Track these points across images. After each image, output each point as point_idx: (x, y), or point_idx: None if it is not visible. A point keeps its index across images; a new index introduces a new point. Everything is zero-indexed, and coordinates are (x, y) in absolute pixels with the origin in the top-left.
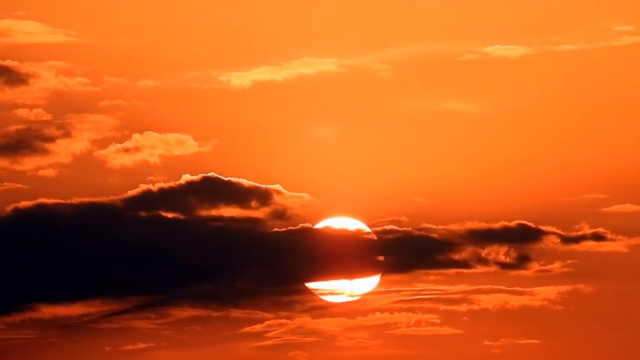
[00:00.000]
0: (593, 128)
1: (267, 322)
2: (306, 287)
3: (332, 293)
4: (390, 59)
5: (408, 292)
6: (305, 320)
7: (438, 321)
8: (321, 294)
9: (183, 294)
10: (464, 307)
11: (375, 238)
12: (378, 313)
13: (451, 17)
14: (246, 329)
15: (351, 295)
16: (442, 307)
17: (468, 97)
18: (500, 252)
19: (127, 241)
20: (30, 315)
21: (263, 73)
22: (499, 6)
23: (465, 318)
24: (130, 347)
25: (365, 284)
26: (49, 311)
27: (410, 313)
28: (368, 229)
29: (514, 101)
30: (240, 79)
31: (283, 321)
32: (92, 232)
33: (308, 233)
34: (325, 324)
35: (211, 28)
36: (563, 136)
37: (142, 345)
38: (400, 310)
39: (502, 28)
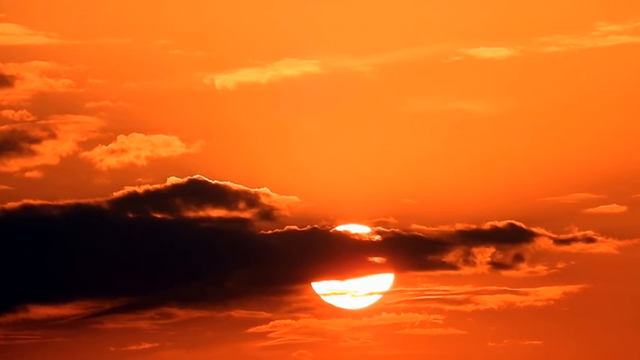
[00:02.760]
0: (578, 129)
1: (271, 322)
2: (311, 288)
3: (335, 294)
4: (374, 61)
5: (412, 292)
6: (310, 320)
7: (441, 322)
8: (325, 295)
9: (172, 294)
10: (469, 308)
11: (368, 239)
12: (384, 314)
13: (435, 19)
14: (251, 329)
15: (355, 296)
16: (447, 307)
17: (455, 98)
18: (496, 253)
19: (114, 242)
20: (22, 315)
21: (247, 75)
22: (483, 8)
23: (470, 319)
24: (134, 347)
25: (369, 286)
26: (39, 312)
27: (417, 314)
28: (364, 231)
29: (501, 102)
30: (224, 80)
31: (288, 321)
32: (78, 233)
33: (295, 235)
34: (330, 324)
35: (194, 30)
36: (550, 136)
37: (146, 345)
38: (407, 311)
39: (487, 30)
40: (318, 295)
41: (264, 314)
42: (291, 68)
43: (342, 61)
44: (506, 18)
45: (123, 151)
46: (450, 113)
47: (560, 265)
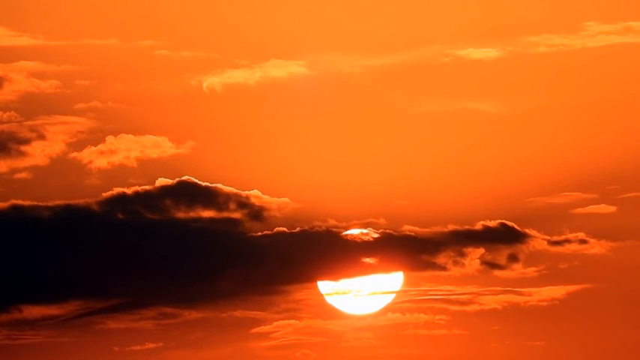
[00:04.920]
0: (568, 128)
1: (275, 322)
2: (315, 288)
3: (338, 293)
4: (362, 62)
5: (414, 292)
6: (314, 320)
7: (444, 322)
8: (328, 294)
9: (163, 295)
10: (472, 308)
11: (360, 240)
12: (389, 314)
13: (424, 20)
14: (255, 330)
15: (357, 295)
16: (452, 307)
17: (444, 100)
18: (485, 254)
19: (103, 243)
20: (16, 316)
21: (235, 77)
22: (473, 9)
23: (473, 319)
24: (138, 347)
25: (374, 286)
26: (32, 312)
27: (422, 314)
28: (356, 232)
29: (491, 103)
30: (212, 82)
31: (292, 321)
32: (68, 234)
33: (287, 237)
34: (334, 324)
35: (179, 30)
36: (540, 136)
37: (150, 345)
38: (412, 311)
39: (476, 31)
40: (322, 296)
41: (268, 314)
42: (278, 69)
43: (329, 61)
44: (496, 19)
45: (112, 152)
46: (439, 114)
47: (560, 266)
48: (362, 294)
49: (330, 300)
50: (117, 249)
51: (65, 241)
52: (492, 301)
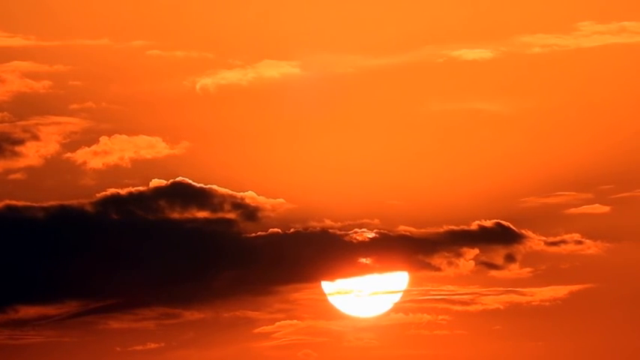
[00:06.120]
0: (562, 129)
1: (277, 322)
2: (317, 288)
3: (340, 293)
4: (355, 62)
5: (417, 292)
6: (316, 321)
7: (445, 322)
8: (330, 294)
9: (158, 295)
10: (475, 308)
11: (356, 240)
12: (392, 314)
13: (417, 21)
14: (257, 330)
15: (359, 296)
16: (455, 307)
17: (438, 100)
18: (479, 255)
19: (97, 244)
20: (13, 316)
21: (228, 78)
22: (467, 9)
23: (475, 319)
24: (140, 347)
25: (376, 286)
26: (29, 312)
27: (425, 314)
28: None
29: (486, 104)
30: (205, 83)
31: (294, 321)
32: (62, 234)
33: (282, 237)
34: (336, 325)
35: (171, 30)
36: (534, 136)
37: (152, 345)
38: (415, 311)
39: (470, 31)
40: (324, 296)
41: (269, 314)
42: (271, 70)
43: (322, 62)
44: (490, 19)
45: (106, 152)
46: (434, 115)
47: (557, 267)
48: (363, 294)
49: (333, 300)
50: (110, 250)
51: (59, 242)
52: (494, 301)
